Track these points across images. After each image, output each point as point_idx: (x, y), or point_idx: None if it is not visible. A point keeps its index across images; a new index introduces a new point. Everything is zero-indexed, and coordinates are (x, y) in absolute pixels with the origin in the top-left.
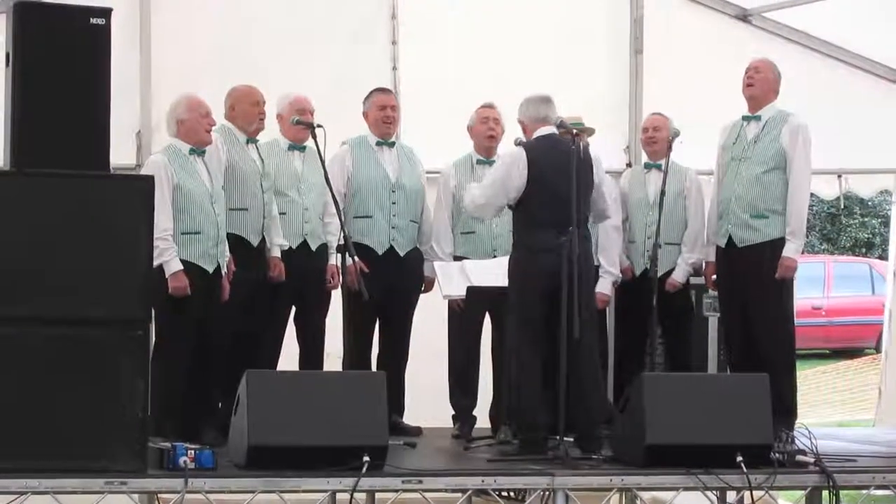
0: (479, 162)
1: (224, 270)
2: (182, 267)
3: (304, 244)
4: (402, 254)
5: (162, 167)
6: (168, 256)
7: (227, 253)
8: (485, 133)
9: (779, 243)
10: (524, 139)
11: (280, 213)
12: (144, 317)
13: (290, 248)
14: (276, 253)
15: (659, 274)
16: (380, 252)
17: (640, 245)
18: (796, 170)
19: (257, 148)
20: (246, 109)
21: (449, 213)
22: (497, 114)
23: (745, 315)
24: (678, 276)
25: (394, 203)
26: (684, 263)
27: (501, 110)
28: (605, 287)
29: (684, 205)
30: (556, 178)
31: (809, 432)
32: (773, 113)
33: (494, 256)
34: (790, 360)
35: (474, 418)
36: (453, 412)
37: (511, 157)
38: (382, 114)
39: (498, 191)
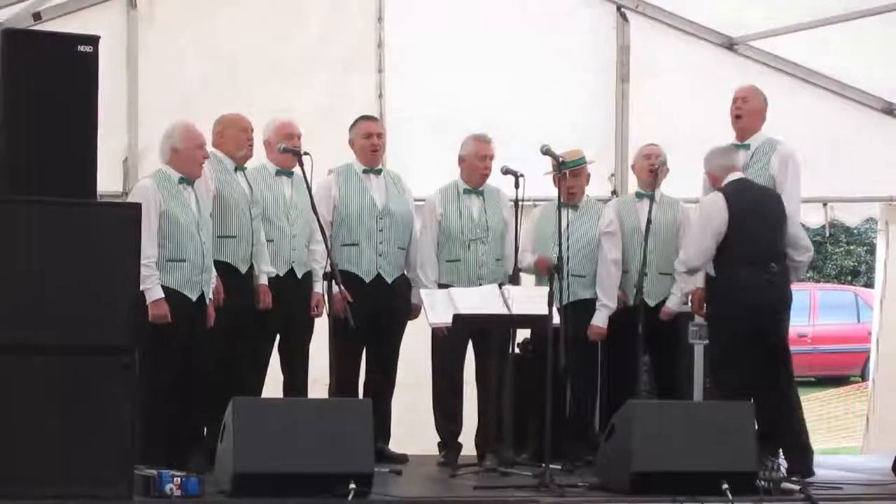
0: (465, 191)
1: (210, 297)
2: (163, 295)
3: (291, 272)
4: (389, 281)
5: (150, 193)
6: (150, 284)
7: (214, 281)
8: (480, 171)
9: None
10: (510, 167)
11: (268, 240)
12: (131, 344)
13: (277, 275)
14: (264, 281)
15: (654, 303)
16: (367, 280)
17: (633, 274)
18: (787, 197)
19: (245, 175)
20: (235, 135)
21: (434, 240)
22: (493, 149)
23: None
24: (672, 305)
25: (380, 230)
26: (678, 292)
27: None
28: (600, 320)
29: (677, 234)
30: (753, 218)
31: None
32: (761, 141)
33: (480, 284)
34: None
35: (460, 445)
36: (439, 439)
37: (711, 202)
38: (368, 142)
39: (707, 237)
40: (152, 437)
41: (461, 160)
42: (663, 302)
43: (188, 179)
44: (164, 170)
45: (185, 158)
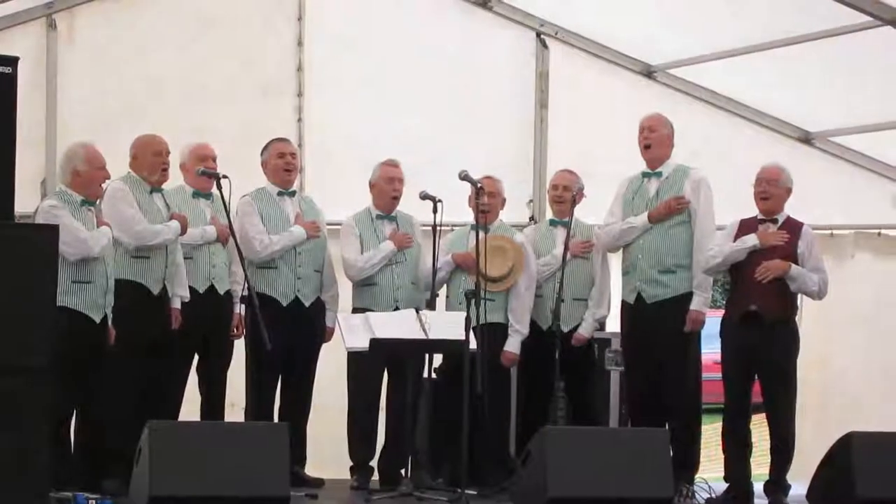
0: (378, 217)
1: (110, 320)
2: None
3: (212, 288)
4: (306, 304)
5: (54, 217)
6: None
7: (113, 302)
8: (390, 193)
9: (687, 298)
10: (428, 193)
11: (186, 258)
12: (50, 366)
13: (198, 292)
14: (176, 304)
15: (567, 329)
16: (284, 303)
17: (547, 300)
18: (700, 223)
19: (163, 196)
20: (148, 160)
21: (359, 249)
22: (401, 172)
23: (652, 370)
24: (584, 331)
25: (299, 254)
26: (591, 318)
27: (406, 163)
28: (513, 345)
29: (591, 261)
30: None
31: (709, 486)
32: (672, 168)
33: (397, 307)
34: (696, 414)
35: (372, 469)
36: (351, 464)
37: None
38: (282, 161)
39: None
40: (65, 460)
41: (371, 186)
42: (577, 328)
43: (90, 201)
44: (66, 192)
45: (86, 180)
